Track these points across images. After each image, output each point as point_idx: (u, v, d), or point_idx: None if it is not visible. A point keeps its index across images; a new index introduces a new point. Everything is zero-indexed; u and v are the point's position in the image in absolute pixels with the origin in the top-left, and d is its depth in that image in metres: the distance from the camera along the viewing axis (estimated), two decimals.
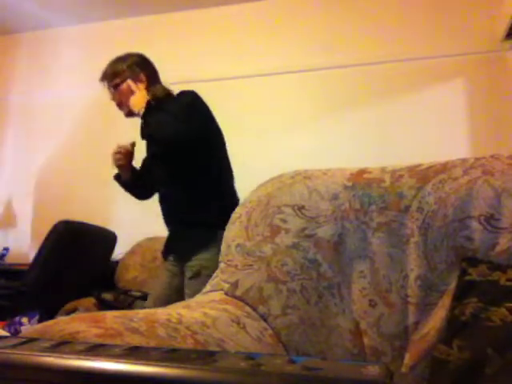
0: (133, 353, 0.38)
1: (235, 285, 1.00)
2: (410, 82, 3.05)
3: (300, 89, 3.25)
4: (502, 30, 2.74)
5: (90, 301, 2.58)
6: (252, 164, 3.02)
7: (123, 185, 1.92)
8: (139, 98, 1.73)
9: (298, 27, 3.28)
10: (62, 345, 0.39)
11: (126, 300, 2.60)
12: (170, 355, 0.38)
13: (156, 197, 1.89)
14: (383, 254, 0.97)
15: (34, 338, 0.41)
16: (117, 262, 3.03)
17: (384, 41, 3.11)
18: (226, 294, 0.99)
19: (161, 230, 1.88)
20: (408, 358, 0.87)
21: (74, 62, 3.69)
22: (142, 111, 1.70)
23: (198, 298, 1.03)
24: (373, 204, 1.00)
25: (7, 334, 1.94)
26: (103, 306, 2.52)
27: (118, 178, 1.91)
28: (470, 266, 0.84)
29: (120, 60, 1.81)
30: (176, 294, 1.75)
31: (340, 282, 0.99)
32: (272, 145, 3.18)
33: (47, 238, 2.43)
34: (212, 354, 0.37)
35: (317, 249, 1.01)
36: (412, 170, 1.02)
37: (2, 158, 3.79)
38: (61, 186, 3.58)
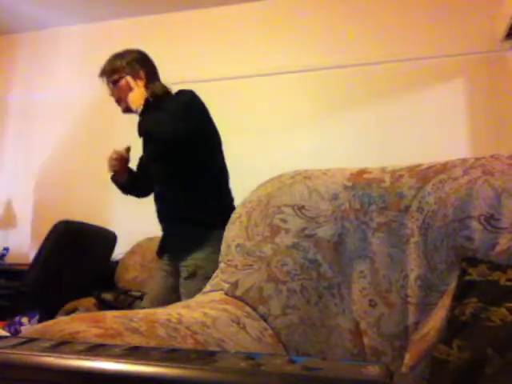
0: (133, 353, 0.38)
1: (235, 285, 1.00)
2: (410, 82, 3.05)
3: (300, 89, 3.25)
4: (502, 29, 2.74)
5: (90, 301, 2.58)
6: (252, 164, 3.03)
7: (120, 186, 1.93)
8: (138, 95, 1.73)
9: (298, 27, 3.28)
10: (61, 345, 0.39)
11: (126, 300, 2.60)
12: (170, 355, 0.38)
13: None
14: (383, 254, 0.97)
15: (34, 338, 0.41)
16: (117, 262, 3.03)
17: (384, 41, 3.11)
18: (226, 294, 0.99)
19: (161, 230, 1.88)
20: (408, 358, 0.87)
21: (73, 61, 3.69)
22: (139, 108, 1.70)
23: (198, 297, 1.03)
24: (373, 204, 1.00)
25: (7, 334, 1.94)
26: (103, 305, 2.52)
27: (114, 179, 1.92)
28: (470, 265, 0.84)
29: (119, 56, 1.81)
30: (171, 294, 1.75)
31: (340, 282, 0.99)
32: (272, 145, 3.18)
33: (47, 238, 2.43)
34: (212, 353, 0.37)
35: (317, 249, 1.01)
36: (412, 170, 1.02)
37: (1, 158, 3.79)
38: (61, 186, 3.58)
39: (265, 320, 0.94)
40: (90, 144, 3.52)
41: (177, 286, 1.73)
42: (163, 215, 1.81)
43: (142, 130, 1.71)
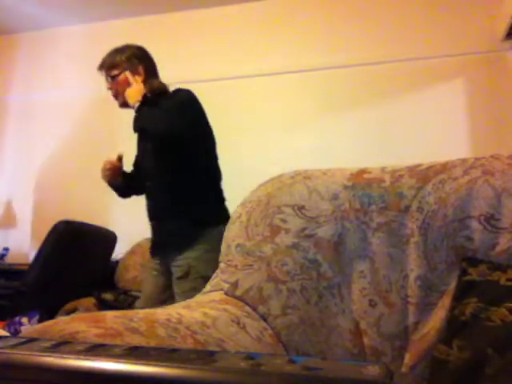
0: (133, 353, 0.38)
1: (235, 285, 1.00)
2: (411, 81, 3.05)
3: (300, 89, 3.25)
4: (502, 29, 2.74)
5: (90, 301, 2.59)
6: (252, 164, 3.03)
7: (116, 189, 1.93)
8: (135, 91, 1.73)
9: (298, 27, 3.28)
10: (61, 345, 0.39)
11: (126, 300, 2.60)
12: (170, 355, 0.38)
13: None
14: (383, 254, 0.97)
15: (34, 338, 0.41)
16: (117, 262, 3.03)
17: (384, 41, 3.11)
18: (226, 293, 0.99)
19: (151, 228, 1.87)
20: (408, 358, 0.87)
21: (73, 62, 3.69)
22: (136, 104, 1.70)
23: (198, 297, 1.03)
24: (373, 204, 1.00)
25: (7, 334, 1.94)
26: (103, 306, 2.52)
27: (110, 183, 1.92)
28: (470, 265, 0.84)
29: (119, 51, 1.81)
30: (164, 293, 1.75)
31: (340, 282, 0.99)
32: (272, 145, 3.18)
33: (47, 238, 2.43)
34: (212, 353, 0.37)
35: (317, 249, 1.01)
36: (412, 170, 1.02)
37: (2, 158, 3.79)
38: (61, 186, 3.58)
39: (265, 320, 0.94)
40: (90, 144, 3.52)
41: (168, 284, 1.73)
42: (154, 212, 1.80)
43: (138, 126, 1.71)
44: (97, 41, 3.53)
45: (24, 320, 2.24)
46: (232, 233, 1.09)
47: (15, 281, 2.50)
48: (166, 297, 1.75)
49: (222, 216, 1.75)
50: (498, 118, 2.85)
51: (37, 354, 0.37)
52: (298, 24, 3.28)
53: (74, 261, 2.53)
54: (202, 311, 0.85)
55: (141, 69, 1.79)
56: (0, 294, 2.42)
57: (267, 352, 0.84)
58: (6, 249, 3.45)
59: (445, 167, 0.99)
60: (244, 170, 2.94)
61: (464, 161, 0.99)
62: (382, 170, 1.05)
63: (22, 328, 2.20)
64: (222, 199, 1.81)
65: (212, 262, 1.66)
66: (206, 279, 1.62)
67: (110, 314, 0.70)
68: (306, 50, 3.24)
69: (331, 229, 1.01)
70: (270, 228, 1.04)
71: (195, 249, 1.66)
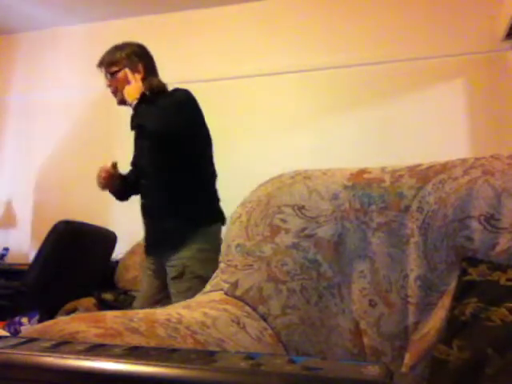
0: (133, 353, 0.38)
1: (235, 285, 1.00)
2: (411, 81, 3.05)
3: (300, 89, 3.25)
4: (502, 29, 2.74)
5: (90, 301, 2.58)
6: (252, 164, 3.03)
7: (113, 194, 1.92)
8: (134, 89, 1.73)
9: (298, 27, 3.27)
10: (61, 345, 0.39)
11: (126, 300, 2.60)
12: (170, 355, 0.38)
13: None
14: (383, 254, 0.97)
15: (34, 338, 0.41)
16: (117, 262, 3.03)
17: (384, 41, 3.11)
18: (226, 293, 0.99)
19: (143, 226, 1.87)
20: (408, 358, 0.87)
21: (73, 61, 3.69)
22: (134, 102, 1.71)
23: (198, 297, 1.03)
24: (373, 204, 1.00)
25: (7, 334, 1.94)
26: (103, 306, 2.52)
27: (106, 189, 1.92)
28: (470, 265, 0.84)
29: (119, 48, 1.82)
30: (160, 294, 1.76)
31: (340, 282, 0.99)
32: (272, 145, 3.18)
33: (47, 238, 2.43)
34: (212, 353, 0.37)
35: (317, 249, 1.01)
36: (412, 170, 1.02)
37: (2, 158, 3.79)
38: (61, 186, 3.58)
39: (265, 320, 0.94)
40: (90, 144, 3.52)
41: (163, 284, 1.73)
42: (150, 210, 1.80)
43: (134, 124, 1.72)
44: (97, 41, 3.53)
45: (24, 320, 2.24)
46: (232, 233, 1.09)
47: (15, 281, 2.50)
48: (161, 297, 1.75)
49: (217, 216, 1.76)
50: (498, 118, 2.85)
51: (37, 353, 0.37)
52: (298, 24, 3.28)
53: (74, 261, 2.53)
54: (202, 311, 0.85)
55: (140, 67, 1.79)
56: (0, 294, 2.42)
57: (267, 352, 0.84)
58: (6, 249, 3.45)
59: (445, 167, 0.99)
60: (244, 169, 2.94)
61: (464, 161, 0.99)
62: (382, 169, 1.05)
63: (22, 328, 2.20)
64: (217, 199, 1.81)
65: (207, 262, 1.67)
66: (201, 278, 1.63)
67: (110, 314, 0.70)
68: (306, 50, 3.24)
69: (331, 229, 1.01)
70: (270, 228, 1.04)
71: (190, 248, 1.66)
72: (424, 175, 0.99)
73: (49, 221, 2.47)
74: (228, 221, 1.16)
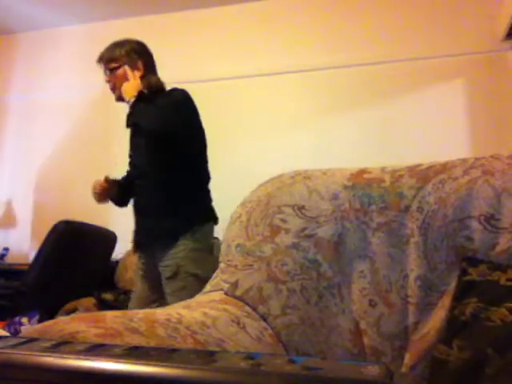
0: (133, 353, 0.38)
1: (235, 285, 1.00)
2: (411, 81, 3.05)
3: (300, 89, 3.25)
4: (502, 29, 2.74)
5: (90, 301, 2.59)
6: (252, 164, 3.03)
7: (112, 201, 1.92)
8: (132, 86, 1.73)
9: (298, 27, 3.28)
10: (62, 345, 0.39)
11: (126, 300, 2.59)
12: (170, 355, 0.38)
13: None
14: (383, 254, 0.97)
15: (34, 338, 0.41)
16: (117, 262, 3.03)
17: (384, 41, 3.11)
18: (226, 293, 0.99)
19: (135, 224, 1.87)
20: (408, 358, 0.87)
21: (73, 62, 3.68)
22: (132, 99, 1.71)
23: (198, 297, 1.03)
24: (373, 204, 1.00)
25: (7, 334, 1.94)
26: (103, 306, 2.52)
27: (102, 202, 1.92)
28: (470, 265, 0.84)
29: (119, 45, 1.82)
30: (154, 294, 1.76)
31: (340, 281, 0.99)
32: (272, 145, 3.18)
33: (47, 238, 2.43)
34: (212, 353, 0.37)
35: (317, 249, 1.01)
36: (412, 170, 1.02)
37: (2, 158, 3.79)
38: (61, 186, 3.58)
39: (265, 320, 0.94)
40: (90, 144, 3.52)
41: (156, 284, 1.73)
42: (144, 209, 1.80)
43: (130, 122, 1.72)
44: (97, 41, 3.51)
45: (24, 320, 2.24)
46: (232, 233, 1.09)
47: (15, 281, 2.50)
48: (155, 297, 1.75)
49: (210, 215, 1.77)
50: (498, 118, 2.85)
51: (37, 353, 0.37)
52: (298, 24, 3.28)
53: (74, 261, 2.53)
54: (202, 311, 0.85)
55: (140, 64, 1.79)
56: (0, 294, 2.42)
57: (267, 352, 0.84)
58: (6, 249, 3.45)
59: (445, 167, 0.99)
60: (244, 169, 2.95)
61: (464, 161, 0.99)
62: (382, 169, 1.05)
63: (22, 328, 2.20)
64: (210, 199, 1.82)
65: (200, 261, 1.67)
66: (195, 277, 1.64)
67: (110, 314, 0.70)
68: (306, 49, 3.24)
69: (331, 229, 1.01)
70: (270, 228, 1.04)
71: (183, 247, 1.66)
72: (424, 175, 0.99)
73: (49, 221, 2.47)
74: (228, 221, 1.16)
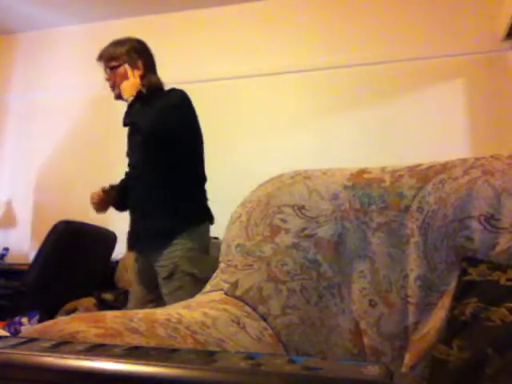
0: (133, 353, 0.38)
1: (235, 285, 1.00)
2: (411, 81, 3.05)
3: (300, 89, 3.25)
4: (502, 29, 2.74)
5: (90, 301, 2.58)
6: (252, 164, 3.03)
7: (114, 207, 1.92)
8: (132, 85, 1.73)
9: (298, 27, 3.28)
10: (62, 345, 0.39)
11: (126, 300, 2.60)
12: (170, 355, 0.38)
13: None
14: (383, 254, 0.97)
15: (34, 338, 0.41)
16: (117, 262, 3.03)
17: (384, 41, 3.11)
18: (226, 293, 0.99)
19: (130, 222, 1.87)
20: (408, 358, 0.87)
21: (73, 61, 3.69)
22: (130, 98, 1.71)
23: (198, 297, 1.03)
24: (373, 204, 1.00)
25: (7, 334, 1.94)
26: (103, 306, 2.52)
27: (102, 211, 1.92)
28: (470, 265, 0.84)
29: (119, 43, 1.82)
30: (151, 293, 1.76)
31: (340, 282, 0.99)
32: (272, 145, 3.18)
33: (47, 238, 2.43)
34: (212, 353, 0.37)
35: (317, 249, 1.00)
36: (412, 170, 1.02)
37: (2, 158, 3.79)
38: (61, 186, 3.58)
39: (265, 320, 0.94)
40: (90, 144, 3.52)
41: (153, 283, 1.72)
42: (141, 209, 1.79)
43: (128, 121, 1.72)
44: (97, 41, 3.52)
45: (24, 320, 2.24)
46: (232, 233, 1.09)
47: (15, 281, 2.49)
48: (153, 297, 1.75)
49: (206, 215, 1.77)
50: (498, 118, 2.85)
51: (37, 353, 0.37)
52: (298, 24, 3.28)
53: (74, 261, 2.53)
54: (202, 311, 0.85)
55: (140, 63, 1.79)
56: (0, 294, 2.42)
57: (267, 352, 0.84)
58: (6, 249, 3.45)
59: (445, 167, 0.99)
60: (244, 169, 2.95)
61: (464, 161, 0.99)
62: (382, 169, 1.05)
63: (22, 328, 2.20)
64: (206, 199, 1.83)
65: (196, 260, 1.68)
66: (192, 276, 1.64)
67: (110, 314, 0.70)
68: (306, 49, 3.24)
69: (331, 229, 1.01)
70: (270, 228, 1.04)
71: (180, 247, 1.66)
72: (424, 175, 0.99)
73: (49, 221, 2.47)
74: (228, 221, 1.16)
